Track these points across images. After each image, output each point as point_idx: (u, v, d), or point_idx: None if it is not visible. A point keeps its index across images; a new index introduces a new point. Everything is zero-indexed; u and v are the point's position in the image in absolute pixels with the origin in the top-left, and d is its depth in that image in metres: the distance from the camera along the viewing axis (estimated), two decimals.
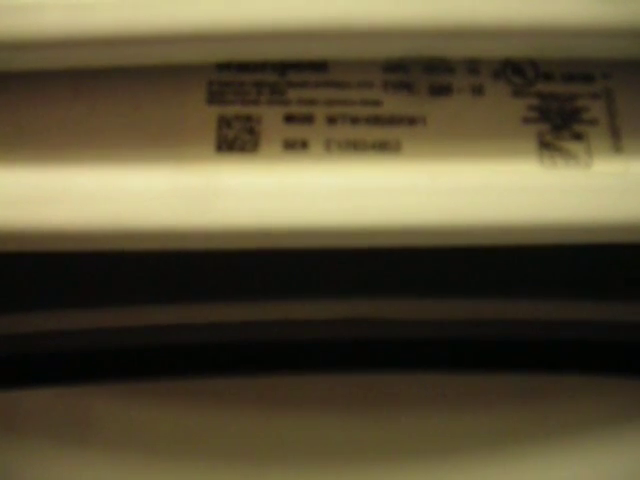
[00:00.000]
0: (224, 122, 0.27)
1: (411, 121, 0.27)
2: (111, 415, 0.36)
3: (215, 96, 0.27)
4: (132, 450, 0.36)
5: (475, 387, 0.36)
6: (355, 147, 0.27)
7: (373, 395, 0.36)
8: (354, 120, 0.27)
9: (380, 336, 0.34)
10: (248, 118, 0.27)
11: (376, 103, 0.27)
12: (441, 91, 0.27)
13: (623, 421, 0.36)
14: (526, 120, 0.27)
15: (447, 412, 0.36)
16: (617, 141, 0.27)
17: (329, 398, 0.36)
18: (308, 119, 0.27)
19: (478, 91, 0.27)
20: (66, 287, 0.32)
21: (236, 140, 0.27)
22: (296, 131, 0.27)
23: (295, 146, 0.27)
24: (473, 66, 0.27)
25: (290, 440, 0.36)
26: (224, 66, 0.27)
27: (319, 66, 0.27)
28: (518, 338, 0.35)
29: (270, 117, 0.27)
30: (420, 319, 0.34)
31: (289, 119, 0.27)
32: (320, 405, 0.36)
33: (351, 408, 0.36)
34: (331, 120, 0.27)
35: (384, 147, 0.27)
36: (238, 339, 0.35)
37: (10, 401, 0.36)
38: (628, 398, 0.36)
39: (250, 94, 0.27)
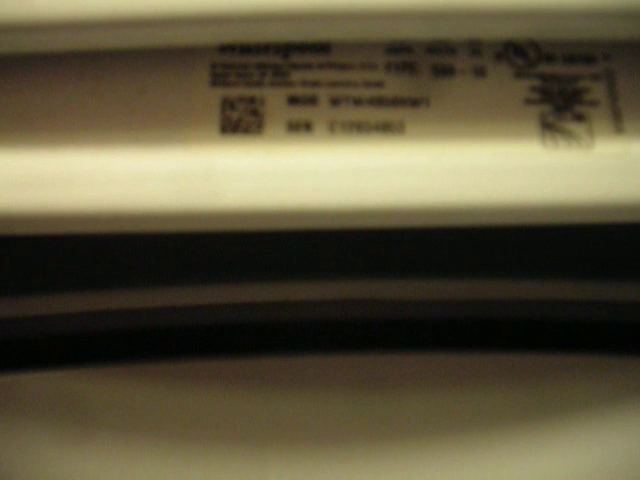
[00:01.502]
0: (228, 104, 0.27)
1: (414, 102, 0.27)
2: (110, 399, 0.36)
3: (218, 78, 0.27)
4: (132, 433, 0.36)
5: (473, 367, 0.37)
6: (359, 128, 0.27)
7: (372, 375, 0.37)
8: (357, 102, 0.27)
9: (378, 316, 0.35)
10: (252, 100, 0.27)
11: (379, 84, 0.27)
12: (444, 72, 0.27)
13: (621, 399, 0.36)
14: (528, 101, 0.27)
15: (445, 392, 0.37)
16: (618, 122, 0.27)
17: (328, 379, 0.36)
18: (312, 101, 0.27)
19: (480, 72, 0.27)
20: (65, 269, 0.32)
21: (240, 122, 0.27)
22: (300, 113, 0.27)
23: (299, 128, 0.27)
24: (475, 47, 0.28)
25: (291, 420, 0.36)
26: (227, 48, 0.27)
27: (322, 48, 0.27)
28: (515, 318, 0.35)
29: (274, 99, 0.27)
30: (418, 299, 0.34)
31: (293, 101, 0.27)
32: (319, 386, 0.36)
33: (350, 388, 0.36)
34: (335, 102, 0.27)
35: (387, 128, 0.27)
36: (237, 320, 0.35)
37: (8, 386, 0.36)
38: (626, 376, 0.36)
39: (253, 76, 0.27)
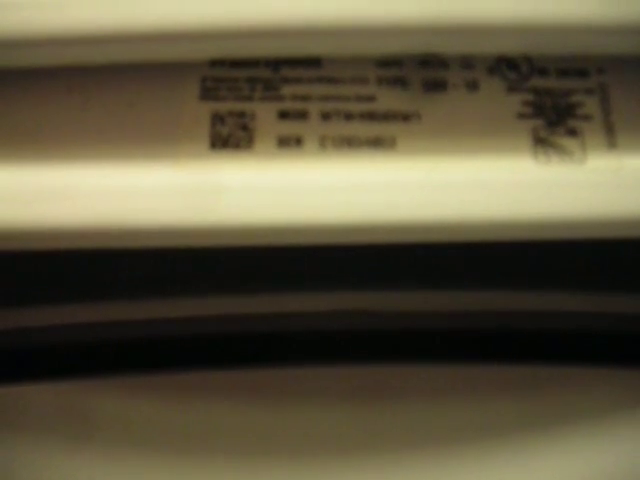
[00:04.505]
0: (218, 118, 0.27)
1: (405, 117, 0.27)
2: (110, 410, 0.36)
3: (208, 92, 0.27)
4: (132, 445, 0.36)
5: (471, 378, 0.36)
6: (350, 144, 0.26)
7: (371, 387, 0.36)
8: (348, 116, 0.27)
9: (376, 328, 0.34)
10: (242, 114, 0.27)
11: (370, 99, 0.27)
12: (436, 87, 0.27)
13: (620, 410, 0.36)
14: (521, 116, 0.27)
15: (443, 403, 0.36)
16: (611, 137, 0.27)
17: (326, 390, 0.36)
18: (302, 115, 0.27)
19: (473, 86, 0.27)
20: (65, 281, 0.32)
21: (230, 137, 0.26)
22: (290, 127, 0.27)
23: (289, 143, 0.26)
24: (468, 61, 0.27)
25: (289, 432, 0.36)
26: (217, 62, 0.27)
27: (313, 62, 0.27)
28: (513, 329, 0.35)
29: (264, 113, 0.27)
30: (416, 311, 0.34)
31: (283, 115, 0.27)
32: (317, 397, 0.36)
33: (348, 400, 0.36)
34: (325, 116, 0.27)
35: (379, 143, 0.27)
36: (235, 332, 0.35)
37: (9, 397, 0.36)
38: (624, 387, 0.36)
39: (243, 90, 0.27)
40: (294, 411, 0.36)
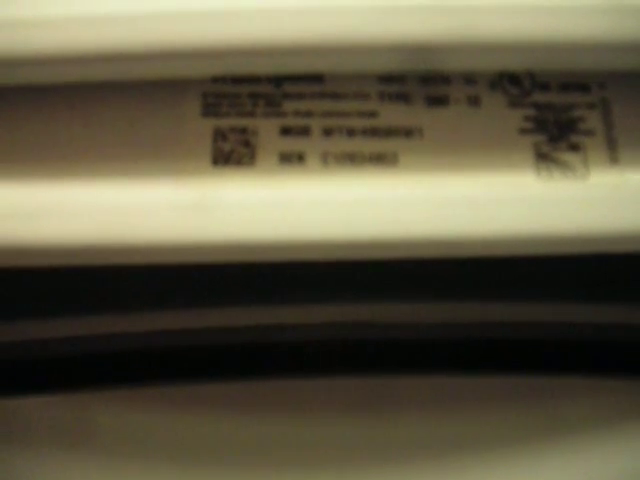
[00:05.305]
0: (220, 135, 0.27)
1: (408, 133, 0.27)
2: (110, 422, 0.36)
3: (210, 108, 0.27)
4: (132, 456, 0.36)
5: (474, 389, 0.36)
6: (352, 160, 0.26)
7: (374, 398, 0.36)
8: (350, 132, 0.27)
9: (379, 339, 0.34)
10: (244, 130, 0.27)
11: (372, 114, 0.27)
12: (438, 102, 0.27)
13: (623, 421, 0.36)
14: (523, 131, 0.27)
15: (447, 414, 0.36)
16: (613, 152, 0.27)
17: (328, 402, 0.36)
18: (304, 131, 0.27)
19: (474, 102, 0.27)
20: (64, 294, 0.32)
21: (232, 153, 0.26)
22: (292, 144, 0.27)
23: (292, 159, 0.26)
24: (469, 76, 0.27)
25: (290, 445, 0.36)
26: (219, 78, 0.27)
27: (315, 77, 0.27)
28: (518, 340, 0.35)
29: (266, 129, 0.27)
30: (417, 322, 0.34)
31: (285, 131, 0.27)
32: (319, 410, 0.36)
33: (352, 412, 0.36)
34: (327, 132, 0.27)
35: (381, 159, 0.27)
36: (236, 344, 0.35)
37: (9, 410, 0.36)
38: (629, 398, 0.36)
39: (245, 106, 0.27)
40: (295, 424, 0.36)
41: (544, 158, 0.27)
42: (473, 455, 0.36)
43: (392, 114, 0.27)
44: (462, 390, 0.36)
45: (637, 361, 0.35)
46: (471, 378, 0.36)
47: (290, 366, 0.35)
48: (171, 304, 0.32)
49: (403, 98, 0.27)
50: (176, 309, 0.32)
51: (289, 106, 0.27)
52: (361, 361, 0.35)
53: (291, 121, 0.27)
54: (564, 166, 0.27)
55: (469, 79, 0.27)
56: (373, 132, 0.27)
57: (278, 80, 0.27)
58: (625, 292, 0.32)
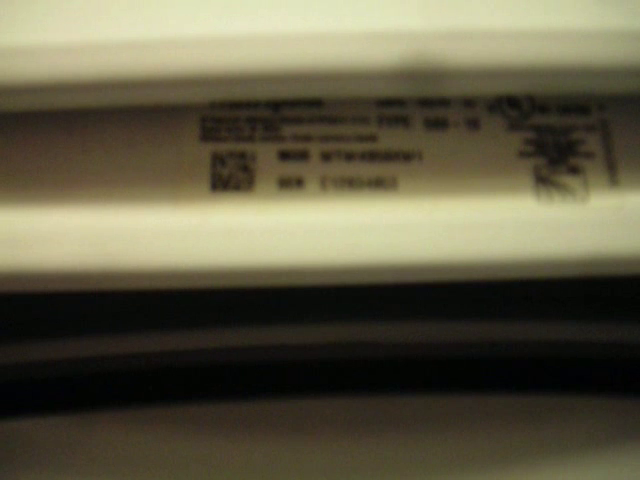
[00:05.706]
0: (218, 160, 0.27)
1: (407, 157, 0.27)
2: (114, 443, 0.36)
3: (209, 133, 0.27)
4: (135, 478, 0.35)
5: (475, 408, 0.36)
6: (351, 184, 0.26)
7: (375, 418, 0.36)
8: (349, 156, 0.27)
9: (381, 359, 0.34)
10: (242, 155, 0.27)
11: (371, 138, 0.27)
12: (437, 125, 0.27)
13: (622, 440, 0.36)
14: (522, 154, 0.27)
15: (449, 433, 0.36)
16: (613, 174, 0.27)
17: (330, 422, 0.36)
18: (303, 156, 0.27)
19: (474, 125, 0.27)
20: (66, 316, 0.32)
21: (231, 178, 0.26)
22: (291, 168, 0.27)
23: (290, 184, 0.26)
24: (468, 99, 0.27)
25: (292, 466, 0.36)
26: (217, 102, 0.27)
27: (313, 102, 0.27)
28: (515, 359, 0.35)
29: (264, 154, 0.27)
30: (420, 342, 0.34)
31: (284, 156, 0.27)
32: (322, 430, 0.36)
33: (352, 432, 0.36)
34: (326, 157, 0.27)
35: (380, 184, 0.26)
36: (237, 364, 0.35)
37: (11, 430, 0.36)
38: (627, 417, 0.36)
39: (244, 130, 0.27)
40: (296, 444, 0.36)
41: (544, 181, 0.27)
42: (475, 474, 0.36)
43: (391, 138, 0.27)
44: (462, 409, 0.36)
45: (637, 380, 0.35)
46: (471, 397, 0.36)
47: (291, 387, 0.35)
48: (170, 326, 0.32)
49: (402, 121, 0.27)
50: (175, 331, 0.32)
51: (287, 130, 0.27)
52: (360, 381, 0.35)
53: (289, 145, 0.27)
54: (564, 189, 0.26)
55: (468, 102, 0.27)
56: (372, 156, 0.27)
57: (276, 104, 0.27)
58: (625, 311, 0.32)
